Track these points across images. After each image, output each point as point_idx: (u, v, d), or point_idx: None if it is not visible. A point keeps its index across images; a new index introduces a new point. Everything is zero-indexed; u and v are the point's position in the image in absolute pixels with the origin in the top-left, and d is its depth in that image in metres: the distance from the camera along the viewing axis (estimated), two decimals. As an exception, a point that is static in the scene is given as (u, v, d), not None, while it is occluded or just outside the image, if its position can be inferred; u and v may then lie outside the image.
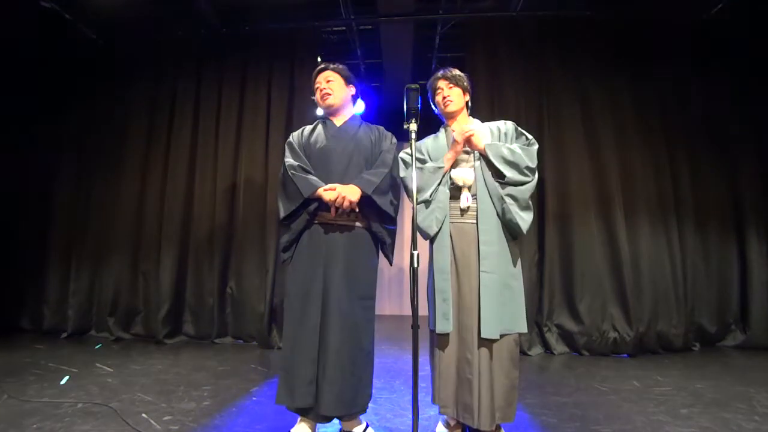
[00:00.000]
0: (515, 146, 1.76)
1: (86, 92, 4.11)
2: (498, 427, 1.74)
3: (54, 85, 4.15)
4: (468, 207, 1.74)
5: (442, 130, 1.95)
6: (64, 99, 4.14)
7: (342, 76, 1.92)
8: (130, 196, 3.90)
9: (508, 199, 1.70)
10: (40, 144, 4.12)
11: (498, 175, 1.73)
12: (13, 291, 3.94)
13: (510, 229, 1.74)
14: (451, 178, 1.77)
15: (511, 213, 1.69)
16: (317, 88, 1.92)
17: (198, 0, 3.54)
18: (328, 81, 1.90)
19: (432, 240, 1.77)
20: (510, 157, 1.72)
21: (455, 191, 1.77)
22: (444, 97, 1.86)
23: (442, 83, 1.89)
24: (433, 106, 1.98)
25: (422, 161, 1.86)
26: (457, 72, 1.88)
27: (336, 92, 1.90)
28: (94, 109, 4.09)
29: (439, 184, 1.76)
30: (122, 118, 4.02)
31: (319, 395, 1.64)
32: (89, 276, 3.88)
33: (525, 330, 1.73)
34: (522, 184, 1.72)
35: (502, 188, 1.72)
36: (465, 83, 1.88)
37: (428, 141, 1.94)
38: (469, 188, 1.75)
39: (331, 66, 1.92)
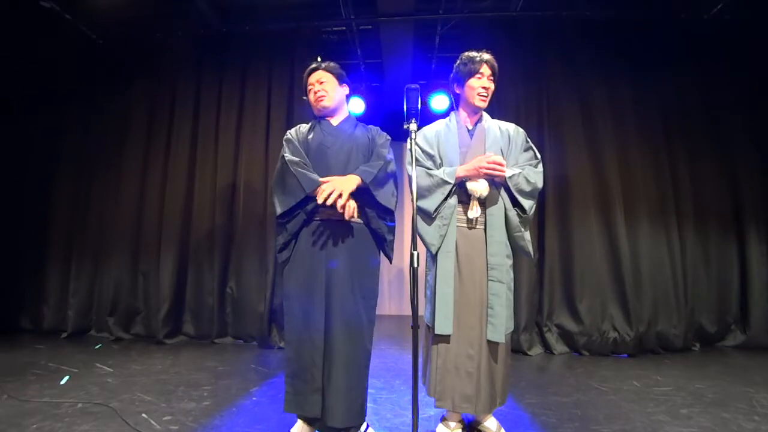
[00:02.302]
0: (528, 171, 1.75)
1: (86, 92, 4.11)
2: (499, 427, 1.74)
3: (54, 85, 4.15)
4: (477, 217, 1.73)
5: (452, 118, 1.87)
6: (64, 99, 4.14)
7: (335, 75, 1.85)
8: (130, 196, 3.90)
9: (522, 228, 1.75)
10: (39, 144, 4.11)
11: (515, 203, 1.75)
12: (13, 291, 3.93)
13: (520, 252, 1.79)
14: (465, 188, 1.72)
15: (524, 240, 1.76)
16: (310, 89, 1.86)
17: (198, 0, 3.54)
18: (321, 82, 1.83)
19: None
20: (527, 188, 1.74)
21: (464, 196, 1.74)
22: (485, 88, 1.76)
23: (487, 69, 1.75)
24: (455, 86, 1.84)
25: (430, 156, 1.79)
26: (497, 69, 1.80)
27: (330, 93, 1.83)
28: (94, 108, 4.09)
29: (445, 199, 1.71)
30: (122, 118, 4.01)
31: (326, 406, 1.59)
32: (89, 276, 3.87)
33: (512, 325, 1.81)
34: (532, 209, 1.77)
35: (520, 219, 1.74)
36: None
37: (440, 131, 1.84)
38: (478, 199, 1.72)
39: (323, 65, 1.84)
